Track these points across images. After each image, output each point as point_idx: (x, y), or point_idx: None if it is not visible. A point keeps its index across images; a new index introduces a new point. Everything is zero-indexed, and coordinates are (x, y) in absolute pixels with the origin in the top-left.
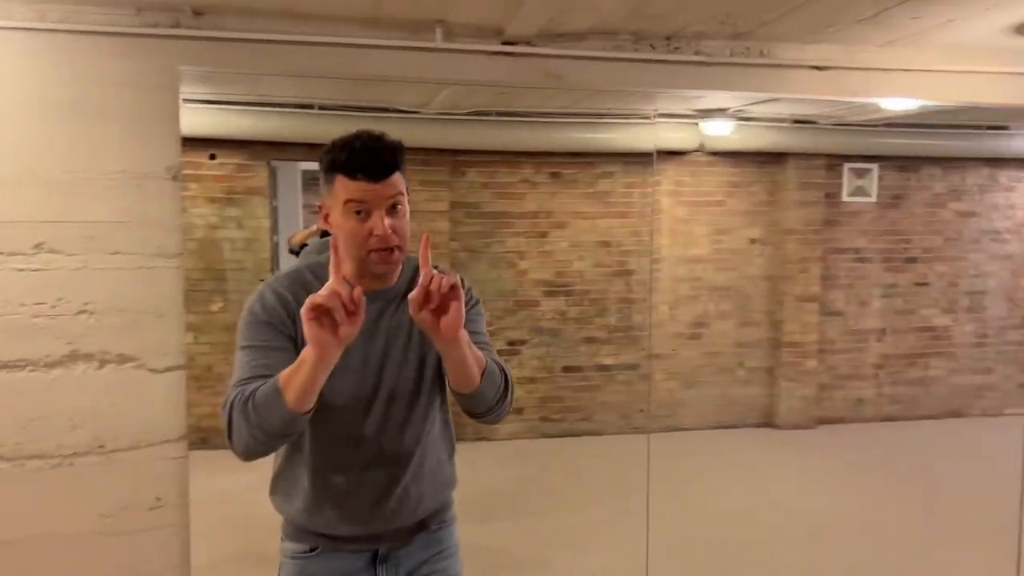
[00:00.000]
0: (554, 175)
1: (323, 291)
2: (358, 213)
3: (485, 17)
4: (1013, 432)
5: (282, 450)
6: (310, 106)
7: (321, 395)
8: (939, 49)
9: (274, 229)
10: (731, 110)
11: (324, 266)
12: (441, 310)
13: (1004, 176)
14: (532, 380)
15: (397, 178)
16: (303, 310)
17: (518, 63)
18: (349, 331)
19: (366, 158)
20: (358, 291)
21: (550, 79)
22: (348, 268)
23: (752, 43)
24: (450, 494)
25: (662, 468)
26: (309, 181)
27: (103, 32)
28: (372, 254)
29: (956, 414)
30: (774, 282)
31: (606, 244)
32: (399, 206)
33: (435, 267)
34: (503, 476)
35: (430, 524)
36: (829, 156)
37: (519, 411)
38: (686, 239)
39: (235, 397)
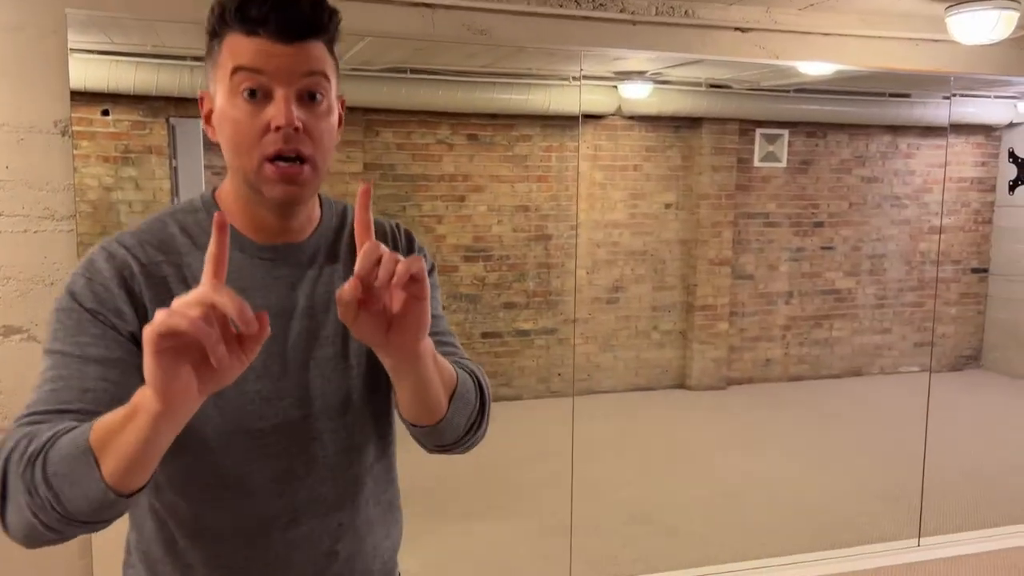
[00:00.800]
0: (471, 137)
1: (189, 298)
2: (251, 94)
3: None
4: (909, 388)
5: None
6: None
7: (197, 424)
8: (859, 15)
9: (174, 191)
10: (649, 72)
11: (199, 216)
12: (393, 314)
13: (904, 143)
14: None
15: (320, 50)
16: (145, 334)
17: (440, 16)
18: (227, 376)
19: (274, 3)
20: (264, 318)
21: (474, 34)
22: (232, 201)
23: (677, 3)
24: (396, 549)
25: (580, 431)
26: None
27: None
28: (267, 165)
29: (857, 373)
30: (688, 246)
31: (524, 209)
32: (319, 95)
33: (380, 225)
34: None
35: None
36: (742, 121)
37: None
38: (603, 204)
39: (13, 448)
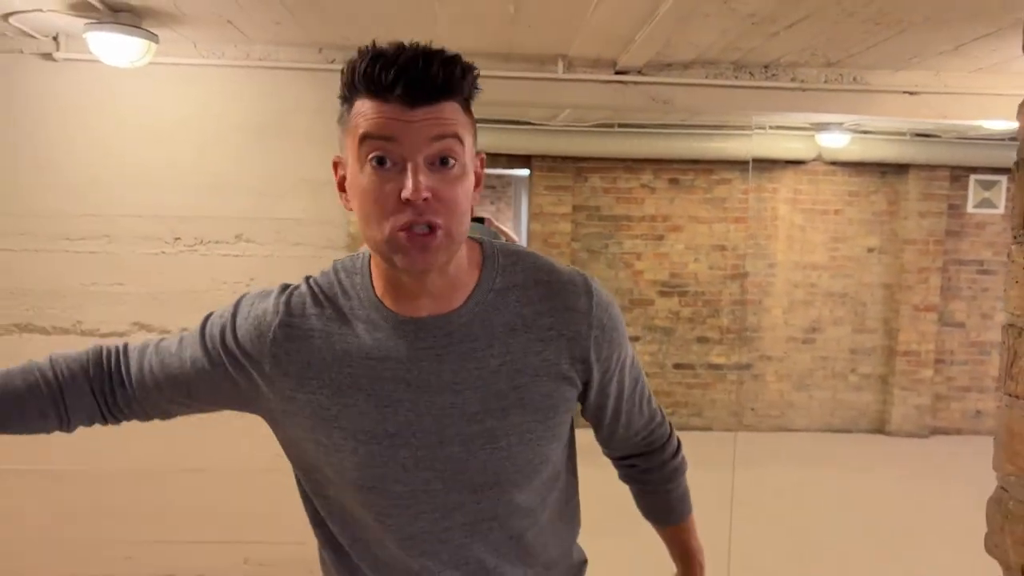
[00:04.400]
0: (672, 181)
1: None
2: (380, 163)
3: (600, 51)
4: None
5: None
6: None
7: (349, 471)
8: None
9: None
10: (845, 124)
11: (355, 280)
12: None
13: None
14: (645, 375)
15: (453, 110)
16: None
17: (628, 90)
18: None
19: (403, 65)
20: None
21: (657, 104)
22: (374, 268)
23: (845, 70)
24: None
25: (769, 466)
26: None
27: (293, 68)
28: (400, 234)
29: None
30: (891, 291)
31: (721, 248)
32: (452, 159)
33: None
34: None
35: None
36: (953, 168)
37: None
38: (802, 245)
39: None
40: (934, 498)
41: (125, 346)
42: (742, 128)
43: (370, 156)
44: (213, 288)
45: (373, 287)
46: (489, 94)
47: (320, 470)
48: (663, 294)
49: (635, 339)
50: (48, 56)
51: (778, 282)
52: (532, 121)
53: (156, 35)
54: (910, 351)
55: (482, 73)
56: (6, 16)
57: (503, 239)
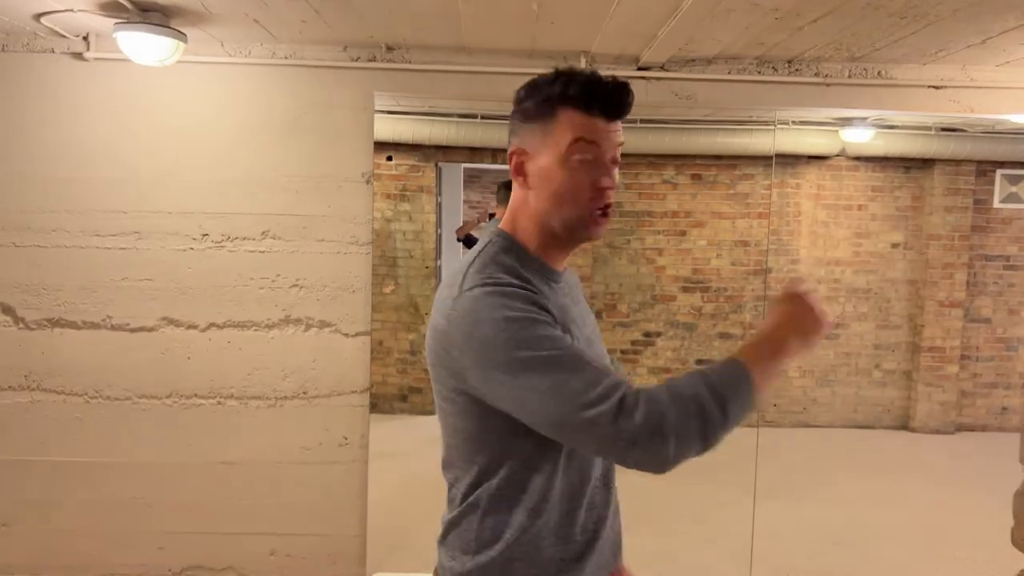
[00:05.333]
0: (695, 177)
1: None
2: (584, 162)
3: (623, 47)
4: None
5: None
6: (474, 116)
7: None
8: None
9: (438, 223)
10: (870, 119)
11: (512, 256)
12: None
13: None
14: (666, 370)
15: (621, 127)
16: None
17: (651, 85)
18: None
19: (608, 88)
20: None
21: (680, 99)
22: (543, 233)
23: (870, 65)
24: None
25: (792, 462)
26: (471, 179)
27: (317, 65)
28: (597, 212)
29: None
30: (916, 287)
31: (744, 243)
32: (618, 160)
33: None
34: None
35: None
36: (979, 162)
37: None
38: (826, 241)
39: (667, 403)
40: (959, 494)
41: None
42: (765, 123)
43: (580, 155)
44: (240, 284)
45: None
46: (511, 90)
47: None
48: (685, 290)
49: (657, 335)
50: (79, 56)
51: (801, 278)
52: None
53: (184, 34)
54: (935, 347)
55: (505, 70)
56: (38, 16)
57: None
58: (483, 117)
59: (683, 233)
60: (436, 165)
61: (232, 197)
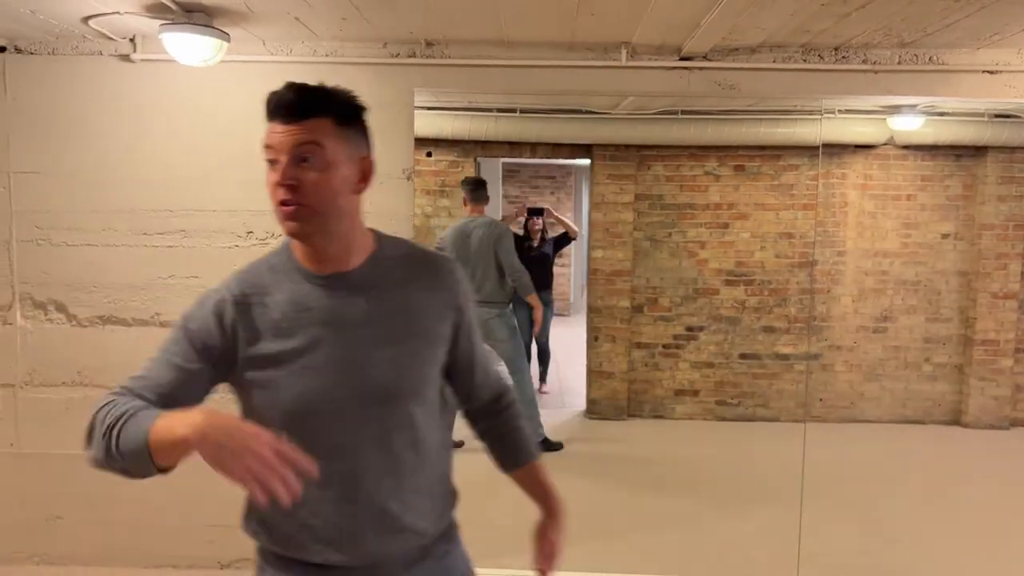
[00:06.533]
0: (738, 168)
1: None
2: (272, 163)
3: (665, 38)
4: None
5: None
6: (512, 110)
7: (286, 402)
8: None
9: None
10: (919, 106)
11: (281, 256)
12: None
13: None
14: (709, 365)
15: (315, 124)
16: (249, 431)
17: (694, 76)
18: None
19: (282, 97)
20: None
21: (723, 89)
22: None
23: (920, 50)
24: (453, 513)
25: (840, 457)
26: (510, 174)
27: (358, 63)
28: (279, 207)
29: None
30: (967, 278)
31: (788, 235)
32: (310, 157)
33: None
34: (679, 454)
35: (434, 551)
36: None
37: (695, 392)
38: (873, 232)
39: (104, 407)
40: (1015, 491)
41: (128, 388)
42: (811, 113)
43: (267, 160)
44: None
45: (296, 258)
46: (551, 84)
47: (263, 408)
48: (728, 283)
49: (700, 329)
50: (126, 57)
51: (848, 270)
52: (594, 110)
53: (227, 34)
54: (988, 340)
55: (545, 63)
56: (86, 19)
57: (561, 228)
58: (522, 111)
59: (726, 225)
60: (475, 160)
61: None
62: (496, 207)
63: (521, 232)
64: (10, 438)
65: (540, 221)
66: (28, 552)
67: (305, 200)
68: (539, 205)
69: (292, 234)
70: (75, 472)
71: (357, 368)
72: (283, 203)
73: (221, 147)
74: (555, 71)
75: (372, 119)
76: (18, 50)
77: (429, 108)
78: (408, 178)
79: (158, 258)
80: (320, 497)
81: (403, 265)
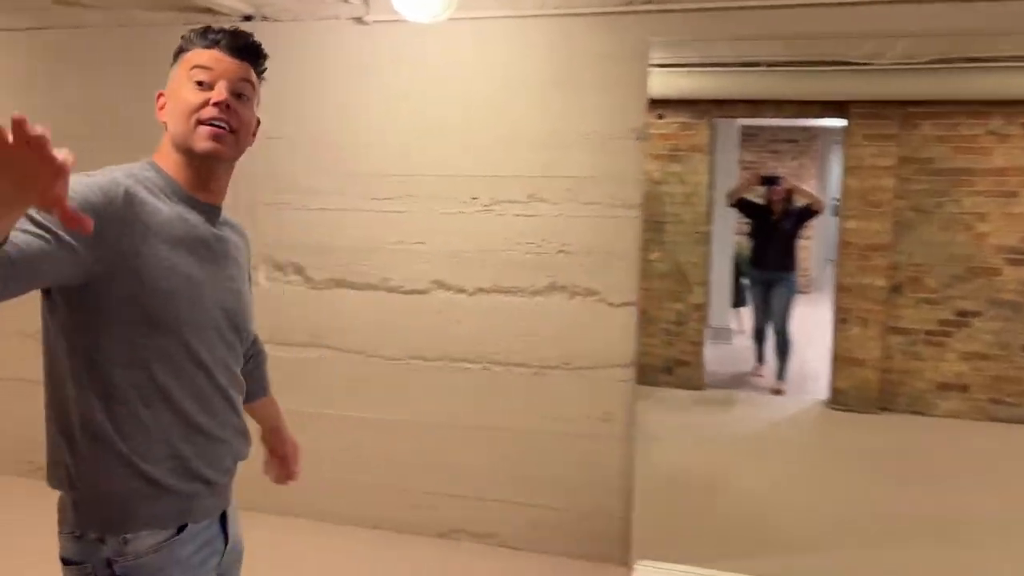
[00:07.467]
0: None
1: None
2: (200, 84)
3: None
4: None
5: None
6: (755, 64)
7: (180, 310)
8: None
9: (711, 184)
10: None
11: (149, 174)
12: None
13: None
14: (984, 357)
15: (249, 69)
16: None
17: (998, 8)
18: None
19: (231, 32)
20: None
21: None
22: (172, 155)
23: None
24: None
25: None
26: (747, 137)
27: (588, 13)
28: (201, 126)
29: None
30: None
31: None
32: (245, 95)
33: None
34: (945, 455)
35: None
36: None
37: (964, 387)
38: None
39: None
40: None
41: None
42: None
43: (193, 79)
44: (507, 248)
45: (175, 180)
46: (812, 25)
47: (156, 314)
48: (1012, 262)
49: (975, 314)
50: (359, 20)
51: None
52: (852, 60)
53: None
54: None
55: (801, 1)
56: None
57: (802, 199)
58: (768, 65)
59: (1012, 194)
60: (710, 121)
61: (499, 158)
62: (732, 174)
63: (762, 202)
64: None
65: (782, 190)
66: (268, 502)
67: (235, 128)
68: (774, 173)
69: (212, 154)
70: (313, 428)
71: (226, 292)
72: (214, 123)
73: (446, 109)
74: (814, 10)
75: (601, 74)
76: (264, 18)
77: (660, 65)
78: (639, 139)
79: (386, 223)
80: (186, 412)
81: (227, 216)
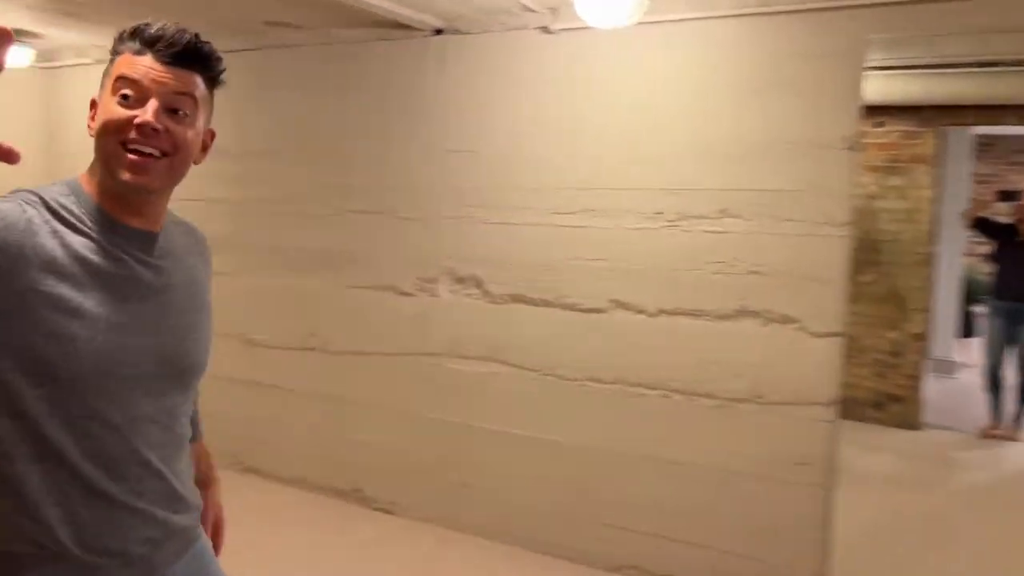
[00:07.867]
0: None
1: None
2: (125, 98)
3: None
4: None
5: None
6: (993, 64)
7: (83, 359)
8: None
9: (937, 199)
10: None
11: (69, 201)
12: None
13: None
14: None
15: (192, 78)
16: None
17: None
18: None
19: (166, 34)
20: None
21: None
22: (97, 176)
23: None
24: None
25: None
26: (983, 148)
27: (792, 11)
28: (123, 148)
29: None
30: None
31: None
32: (183, 112)
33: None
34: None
35: (191, 534)
36: None
37: None
38: None
39: None
40: None
41: None
42: None
43: (118, 92)
44: (693, 268)
45: (98, 203)
46: None
47: (50, 364)
48: None
49: None
50: (545, 29)
51: None
52: None
53: None
54: None
55: None
56: None
57: None
58: (1011, 64)
59: None
60: (938, 130)
61: (688, 170)
62: (963, 189)
63: (1007, 221)
64: (431, 406)
65: None
66: (437, 514)
67: (168, 152)
68: (1015, 187)
69: (135, 186)
70: (486, 444)
71: (161, 334)
72: (137, 150)
73: (632, 119)
74: None
75: (806, 77)
76: (457, 31)
77: (879, 68)
78: (851, 148)
79: (564, 238)
80: (86, 476)
81: (182, 232)
